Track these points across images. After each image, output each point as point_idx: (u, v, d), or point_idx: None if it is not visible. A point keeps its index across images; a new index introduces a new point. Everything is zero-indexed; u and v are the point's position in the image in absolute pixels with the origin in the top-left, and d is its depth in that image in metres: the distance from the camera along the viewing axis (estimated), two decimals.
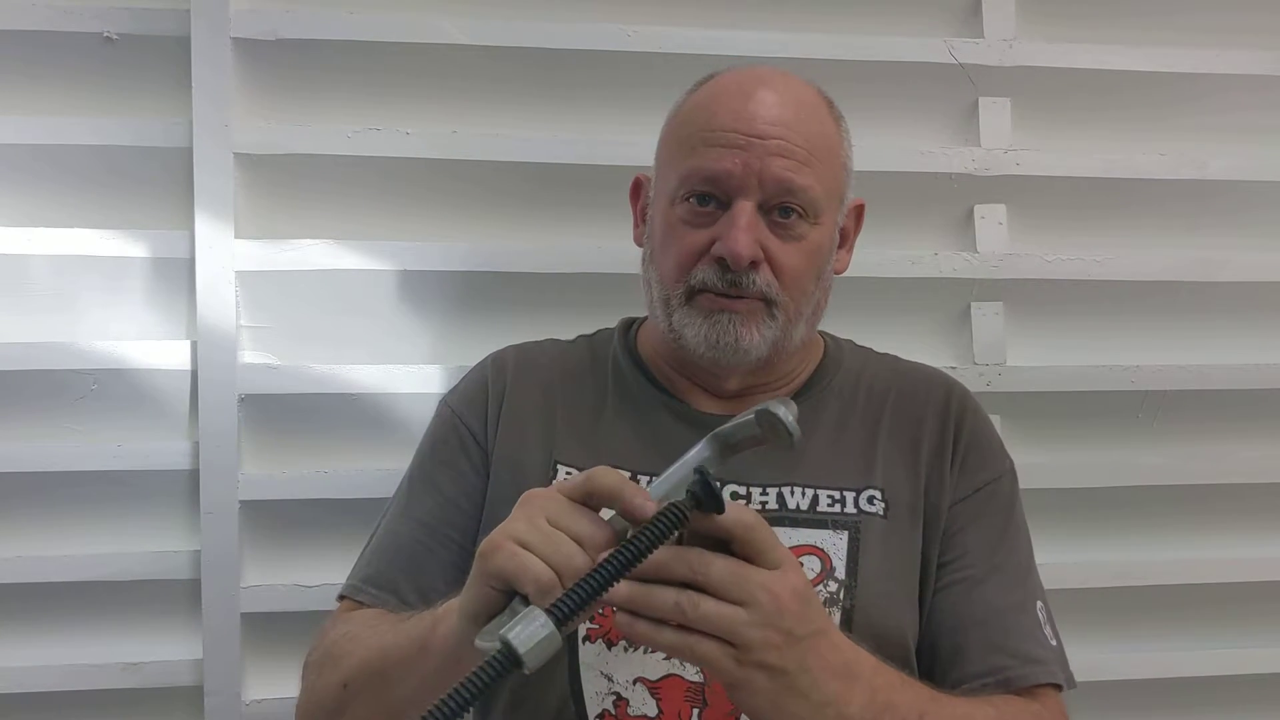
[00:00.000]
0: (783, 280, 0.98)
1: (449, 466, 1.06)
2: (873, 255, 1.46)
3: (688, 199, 0.98)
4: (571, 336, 1.17)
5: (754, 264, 0.96)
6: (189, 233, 1.37)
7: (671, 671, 0.95)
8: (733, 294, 0.97)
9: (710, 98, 1.01)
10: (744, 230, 0.95)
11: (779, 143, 0.96)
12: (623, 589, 0.73)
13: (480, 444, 1.06)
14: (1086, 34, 1.55)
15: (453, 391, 1.13)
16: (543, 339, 1.16)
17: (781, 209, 0.97)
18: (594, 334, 1.16)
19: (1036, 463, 1.49)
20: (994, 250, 1.51)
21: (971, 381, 1.47)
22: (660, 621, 0.74)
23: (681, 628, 0.74)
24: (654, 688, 0.95)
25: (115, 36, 1.38)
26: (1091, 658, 1.48)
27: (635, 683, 0.95)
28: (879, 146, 1.48)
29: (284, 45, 1.40)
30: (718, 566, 0.73)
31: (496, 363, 1.11)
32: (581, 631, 0.95)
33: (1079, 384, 1.50)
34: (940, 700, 0.87)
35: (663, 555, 0.73)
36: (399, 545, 1.05)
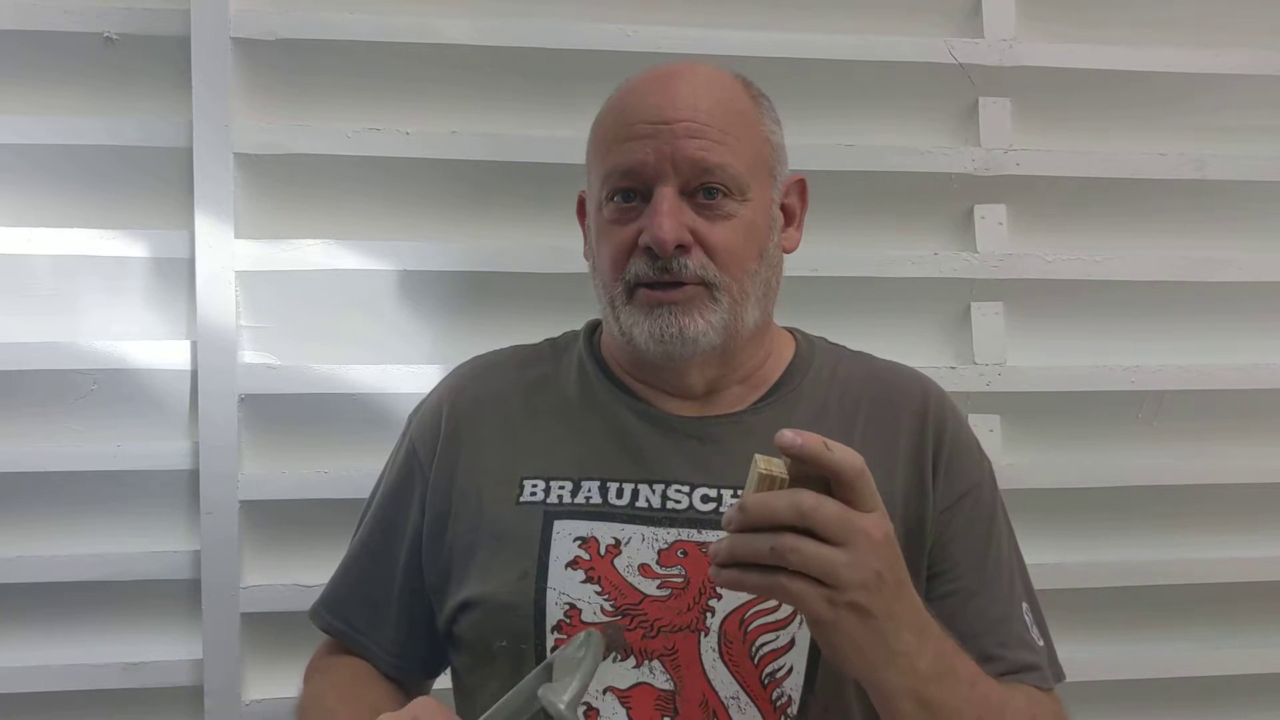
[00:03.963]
0: (717, 260, 0.96)
1: (401, 504, 1.07)
2: (873, 255, 1.47)
3: (612, 198, 0.98)
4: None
5: (683, 248, 0.95)
6: (189, 233, 1.38)
7: (641, 680, 0.94)
8: (666, 281, 0.96)
9: (620, 97, 1.01)
10: (665, 215, 0.94)
11: (688, 124, 0.95)
12: (723, 543, 0.77)
13: (426, 475, 1.05)
14: (1086, 34, 1.55)
15: (418, 410, 1.12)
16: (507, 346, 1.14)
17: (705, 190, 0.96)
18: (559, 337, 1.14)
19: (1036, 463, 1.50)
20: (994, 250, 1.51)
21: (971, 381, 1.47)
22: (749, 565, 0.77)
23: (771, 569, 0.76)
24: (624, 697, 0.94)
25: (115, 36, 1.38)
26: (1092, 657, 1.49)
27: (605, 692, 0.94)
28: (879, 146, 1.48)
29: (284, 45, 1.40)
30: (827, 510, 0.76)
31: (456, 387, 1.10)
32: (550, 643, 0.95)
33: (1079, 384, 1.50)
34: (984, 675, 0.90)
35: (773, 501, 0.76)
36: (354, 575, 1.10)
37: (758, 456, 0.78)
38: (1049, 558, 1.47)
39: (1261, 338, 1.57)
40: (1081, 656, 1.47)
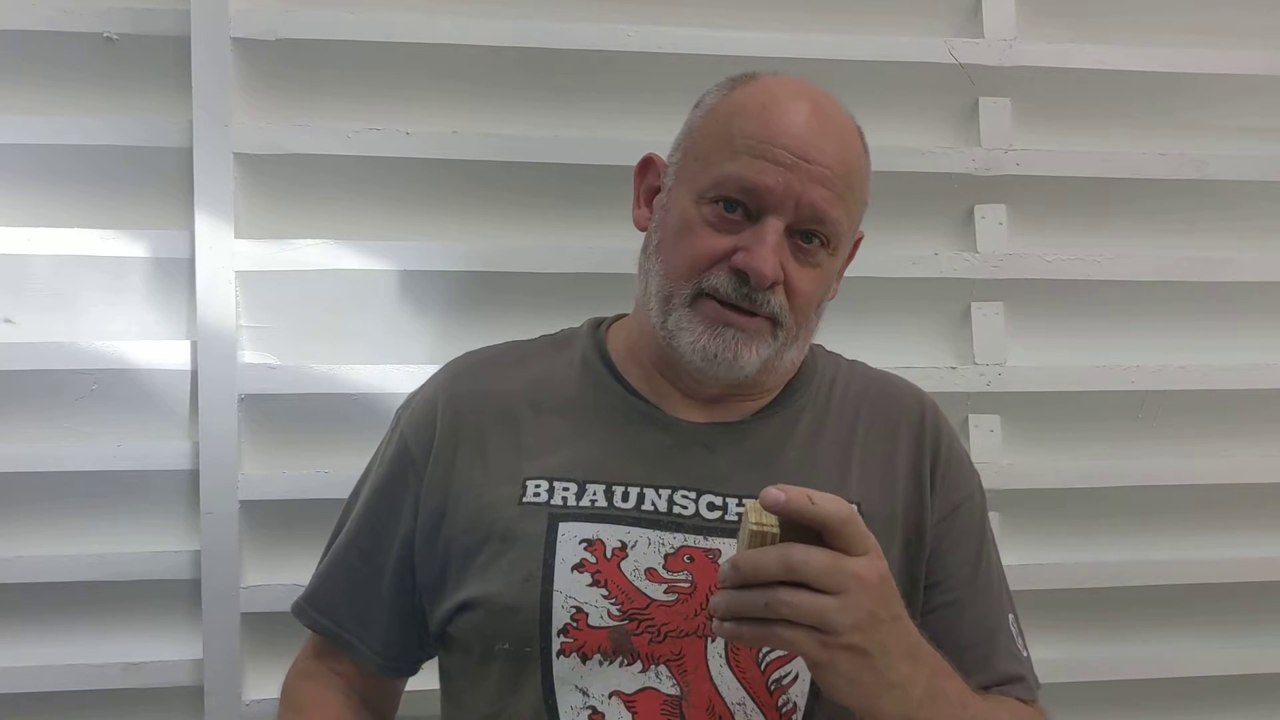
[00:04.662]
0: (794, 304, 0.97)
1: (392, 501, 1.06)
2: (873, 255, 1.46)
3: (716, 201, 0.96)
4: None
5: (773, 284, 0.95)
6: (189, 233, 1.37)
7: (647, 685, 0.94)
8: (744, 308, 0.96)
9: (759, 104, 0.98)
10: (773, 250, 0.94)
11: (824, 170, 0.95)
12: (721, 598, 0.80)
13: (420, 473, 1.04)
14: (1086, 34, 1.55)
15: (407, 405, 1.10)
16: (503, 342, 1.13)
17: (805, 234, 0.96)
18: (557, 334, 1.13)
19: (1036, 463, 1.50)
20: (994, 250, 1.51)
21: (972, 381, 1.48)
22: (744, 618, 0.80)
23: (765, 619, 0.79)
24: (629, 701, 0.94)
25: (115, 36, 1.38)
26: (1092, 657, 1.49)
27: (611, 696, 0.94)
28: (879, 146, 1.46)
29: (284, 45, 1.40)
30: (815, 562, 0.78)
31: (451, 383, 1.08)
32: (556, 646, 0.94)
33: (1079, 384, 1.50)
34: (973, 695, 0.91)
35: (763, 558, 0.78)
36: (341, 571, 1.09)
37: (749, 508, 0.80)
38: (1049, 557, 1.47)
39: (1261, 338, 1.56)
40: (1081, 656, 1.48)
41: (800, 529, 0.79)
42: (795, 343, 1.00)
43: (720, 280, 0.95)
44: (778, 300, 0.96)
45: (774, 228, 0.94)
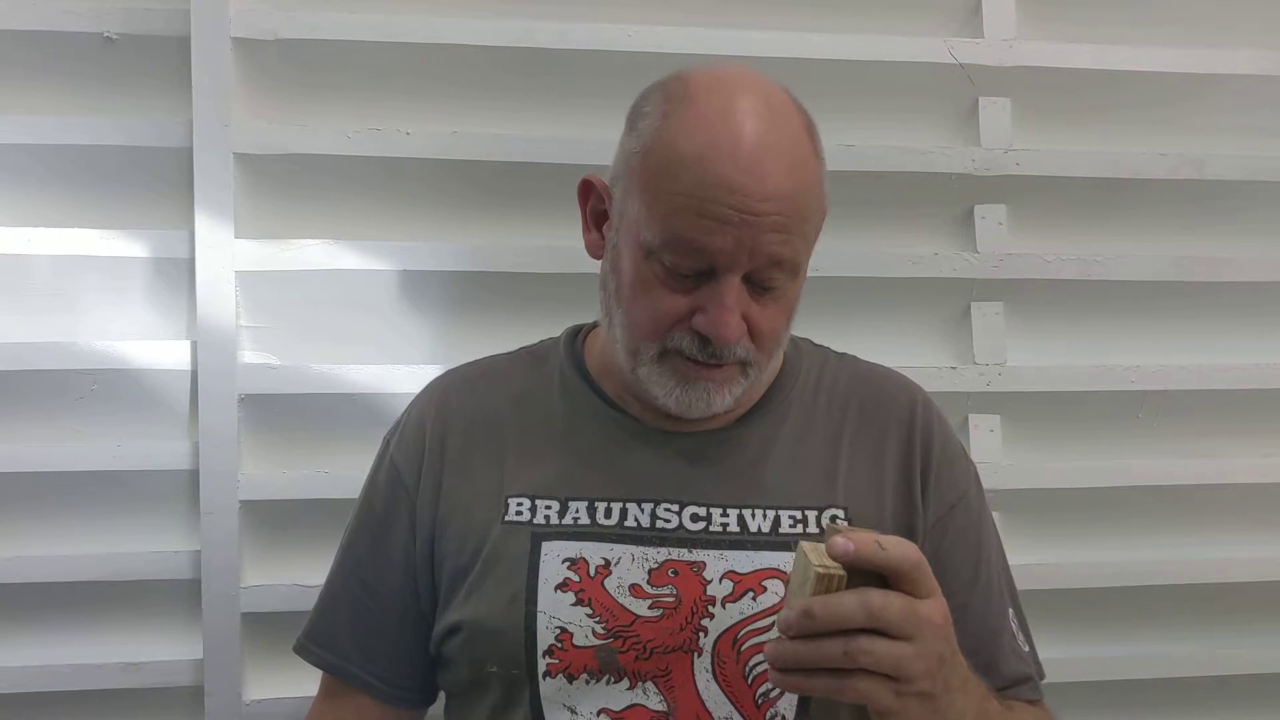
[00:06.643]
0: (760, 343, 0.94)
1: (386, 526, 1.04)
2: (873, 255, 1.47)
3: (664, 258, 0.91)
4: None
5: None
6: (189, 233, 1.38)
7: (635, 702, 0.93)
8: (711, 364, 0.94)
9: (696, 154, 0.89)
10: (731, 311, 0.90)
11: (775, 217, 0.88)
12: (785, 648, 0.76)
13: (413, 497, 1.03)
14: (1086, 34, 1.55)
15: (395, 430, 1.09)
16: (483, 358, 1.12)
17: (765, 276, 0.92)
18: (536, 345, 1.12)
19: (1036, 463, 1.50)
20: (994, 250, 1.51)
21: (971, 381, 1.48)
22: (810, 670, 0.77)
23: (836, 670, 0.76)
24: (617, 718, 0.93)
25: (115, 36, 1.38)
26: (1091, 657, 1.49)
27: (599, 714, 0.93)
28: (879, 146, 1.48)
29: (284, 45, 1.40)
30: (894, 607, 0.75)
31: (437, 403, 1.07)
32: (542, 667, 0.94)
33: (1079, 384, 1.50)
34: (1004, 712, 0.92)
35: (841, 605, 0.75)
36: (342, 603, 1.07)
37: (806, 549, 0.77)
38: (1049, 558, 1.47)
39: (1261, 338, 1.56)
40: (1081, 656, 1.48)
41: (864, 571, 0.76)
42: (768, 364, 0.98)
43: (684, 342, 0.93)
44: (743, 349, 0.93)
45: (732, 285, 0.90)
